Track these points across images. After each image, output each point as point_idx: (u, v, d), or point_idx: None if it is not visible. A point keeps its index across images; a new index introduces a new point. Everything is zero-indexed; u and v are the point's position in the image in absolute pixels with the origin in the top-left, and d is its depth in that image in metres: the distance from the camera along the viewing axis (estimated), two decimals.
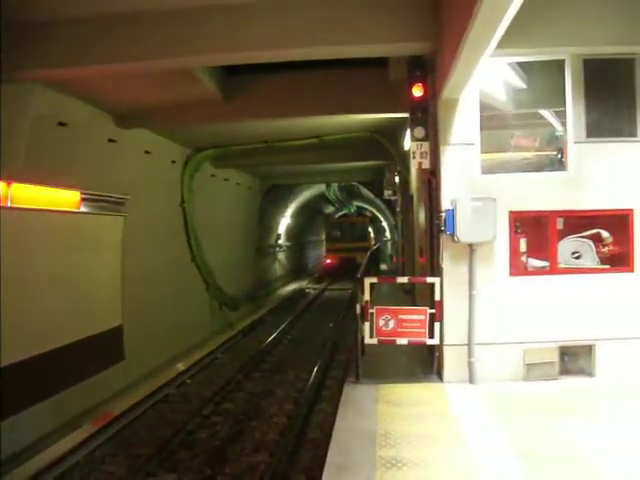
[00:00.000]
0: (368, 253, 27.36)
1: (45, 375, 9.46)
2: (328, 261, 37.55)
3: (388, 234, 43.19)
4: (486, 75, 7.44)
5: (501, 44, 5.69)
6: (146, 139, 13.19)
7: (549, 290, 7.70)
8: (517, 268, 7.79)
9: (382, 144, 15.12)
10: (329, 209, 46.16)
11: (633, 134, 7.66)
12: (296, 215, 36.20)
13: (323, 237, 45.59)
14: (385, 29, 7.26)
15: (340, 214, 46.90)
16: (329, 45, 7.42)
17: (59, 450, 8.43)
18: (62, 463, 8.14)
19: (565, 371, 7.75)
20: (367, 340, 7.90)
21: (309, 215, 41.64)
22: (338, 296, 27.58)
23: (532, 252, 7.98)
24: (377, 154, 16.82)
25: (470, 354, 7.62)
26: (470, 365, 7.62)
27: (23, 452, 8.39)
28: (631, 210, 7.68)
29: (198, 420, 9.92)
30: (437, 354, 7.99)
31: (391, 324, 7.74)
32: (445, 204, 7.60)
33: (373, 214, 48.69)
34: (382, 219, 46.38)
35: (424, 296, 8.90)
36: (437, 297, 7.69)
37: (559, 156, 7.85)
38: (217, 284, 18.32)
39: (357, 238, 37.73)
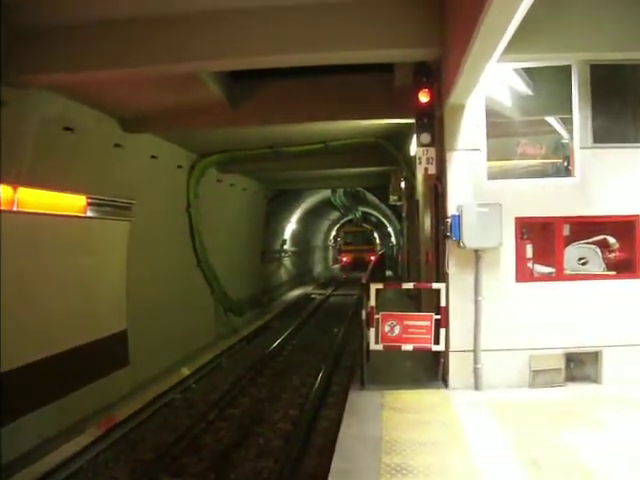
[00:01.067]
0: (373, 257, 35.94)
1: (48, 379, 9.45)
2: (344, 259, 48.39)
3: (394, 239, 43.58)
4: (492, 81, 7.43)
5: (507, 50, 5.70)
6: (152, 144, 13.21)
7: (555, 296, 7.66)
8: (523, 274, 7.75)
9: (388, 150, 15.11)
10: (335, 215, 46.65)
11: (639, 139, 7.63)
12: (302, 220, 36.28)
13: (329, 242, 54.18)
14: (391, 35, 7.26)
15: (346, 219, 50.81)
16: (335, 50, 7.43)
17: (62, 455, 8.44)
18: (65, 468, 8.15)
19: (571, 378, 7.70)
20: (372, 346, 7.88)
21: (315, 220, 41.88)
22: (343, 301, 27.58)
23: (538, 258, 7.95)
24: (383, 160, 16.79)
25: (476, 360, 7.58)
26: (475, 371, 7.59)
27: (26, 456, 8.37)
28: (637, 216, 7.63)
29: (203, 425, 9.91)
30: (442, 360, 7.95)
31: (397, 330, 7.72)
32: (451, 210, 7.57)
33: (378, 219, 49.25)
34: (388, 224, 46.49)
35: (430, 302, 8.88)
36: (443, 303, 7.67)
37: (565, 164, 7.82)
38: (222, 289, 18.31)
39: (365, 242, 48.73)
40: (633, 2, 7.24)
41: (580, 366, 7.76)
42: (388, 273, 35.54)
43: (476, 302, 7.58)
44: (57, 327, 9.81)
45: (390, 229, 46.48)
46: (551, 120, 7.97)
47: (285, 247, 32.43)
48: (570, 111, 7.69)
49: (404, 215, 20.76)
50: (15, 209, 8.58)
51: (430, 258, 9.98)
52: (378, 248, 49.68)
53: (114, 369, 11.55)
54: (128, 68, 7.70)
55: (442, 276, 8.03)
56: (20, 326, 8.60)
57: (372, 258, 36.38)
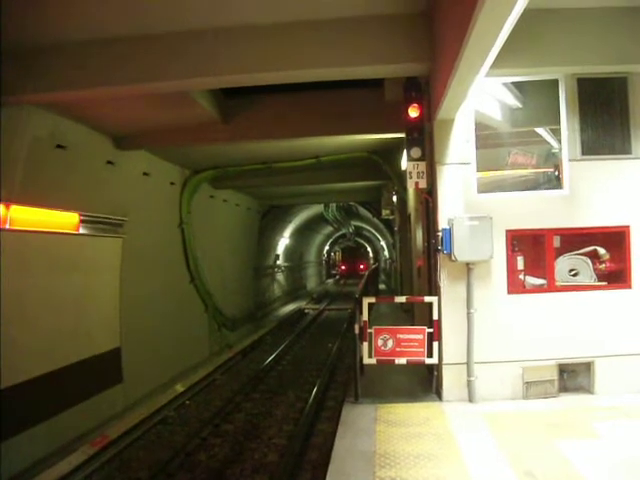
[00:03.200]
0: (362, 266, 60.09)
1: (41, 397, 9.39)
2: (343, 267, 65.00)
3: (387, 253, 43.78)
4: (481, 95, 7.52)
5: (495, 64, 5.75)
6: (145, 161, 13.26)
7: (547, 308, 7.69)
8: (515, 286, 7.78)
9: (379, 164, 15.22)
10: (327, 229, 46.83)
11: (627, 151, 7.69)
12: (294, 235, 36.33)
13: (322, 257, 60.00)
14: (381, 51, 7.34)
15: (339, 234, 53.91)
16: (325, 67, 7.49)
17: (55, 474, 8.36)
18: None
19: (564, 388, 7.71)
20: (366, 360, 7.88)
21: (308, 235, 41.97)
22: (337, 316, 27.56)
23: (530, 270, 7.98)
24: (375, 174, 16.90)
25: (469, 373, 7.59)
26: (469, 384, 7.59)
27: (17, 478, 8.30)
28: (627, 227, 7.69)
29: (197, 442, 9.86)
30: (436, 373, 7.96)
31: (390, 344, 7.73)
32: (442, 223, 7.61)
33: (371, 233, 49.70)
34: (381, 238, 46.60)
35: (423, 315, 8.89)
36: (435, 316, 7.68)
37: (556, 173, 7.88)
38: (216, 305, 18.30)
39: (358, 255, 65.07)
40: (618, 16, 7.33)
41: (573, 376, 7.77)
42: (382, 287, 35.59)
43: (468, 314, 7.59)
44: (50, 345, 9.77)
45: (383, 243, 46.64)
46: (541, 131, 8.04)
47: (278, 262, 32.44)
48: (559, 123, 7.78)
49: (396, 229, 20.83)
50: (8, 227, 8.58)
51: (422, 272, 10.00)
52: (371, 261, 63.54)
53: (108, 386, 11.50)
54: (116, 86, 7.74)
55: (434, 289, 8.06)
56: (12, 344, 8.55)
57: (362, 267, 60.67)
